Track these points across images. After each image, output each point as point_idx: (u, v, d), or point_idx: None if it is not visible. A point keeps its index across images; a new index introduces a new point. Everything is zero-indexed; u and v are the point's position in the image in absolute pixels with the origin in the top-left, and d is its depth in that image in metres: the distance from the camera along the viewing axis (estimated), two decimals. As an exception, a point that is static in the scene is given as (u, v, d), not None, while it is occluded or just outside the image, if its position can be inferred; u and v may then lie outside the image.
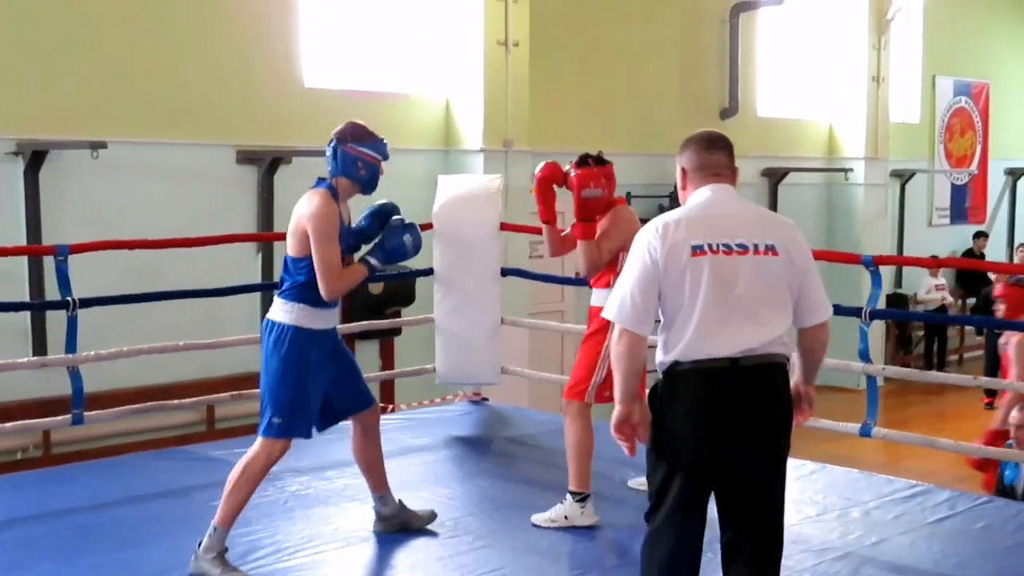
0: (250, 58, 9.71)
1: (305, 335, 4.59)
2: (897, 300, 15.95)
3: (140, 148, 9.02)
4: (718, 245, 3.48)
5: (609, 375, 4.73)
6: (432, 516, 5.21)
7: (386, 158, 4.81)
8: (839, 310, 7.07)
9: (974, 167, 18.28)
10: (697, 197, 3.66)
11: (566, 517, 5.14)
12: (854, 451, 10.24)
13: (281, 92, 9.89)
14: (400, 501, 5.14)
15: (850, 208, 15.49)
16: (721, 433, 3.45)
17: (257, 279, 9.58)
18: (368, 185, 4.78)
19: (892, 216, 16.46)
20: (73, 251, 5.97)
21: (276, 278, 9.47)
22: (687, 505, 3.52)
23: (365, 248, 4.94)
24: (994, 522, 5.34)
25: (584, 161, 5.18)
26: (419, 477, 6.05)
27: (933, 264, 5.53)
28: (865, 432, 6.02)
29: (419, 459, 6.48)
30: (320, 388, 4.69)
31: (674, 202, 13.03)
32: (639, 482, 5.31)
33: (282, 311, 4.63)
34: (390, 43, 10.87)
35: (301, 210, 4.66)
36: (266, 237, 9.24)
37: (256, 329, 9.43)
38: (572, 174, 5.13)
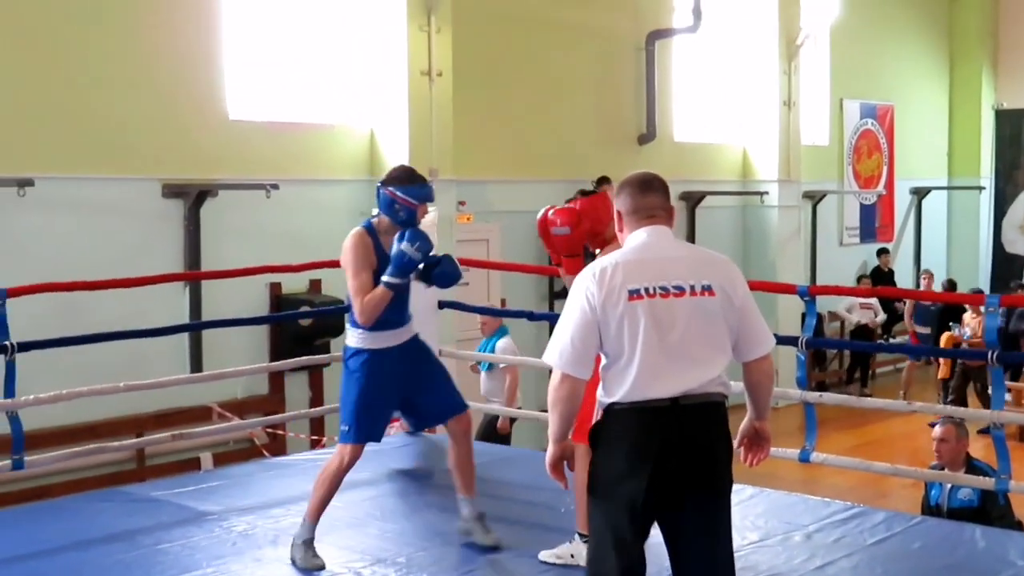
0: (174, 91, 9.66)
1: (365, 354, 5.12)
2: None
3: (66, 184, 8.94)
4: (655, 288, 3.55)
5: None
6: (497, 544, 5.33)
7: (426, 201, 5.16)
8: (776, 339, 7.31)
9: (881, 187, 18.75)
10: (633, 240, 3.72)
11: (572, 556, 5.05)
12: (779, 469, 10.39)
13: (206, 125, 9.85)
14: (481, 513, 5.38)
15: (765, 229, 15.82)
16: (660, 471, 3.51)
17: (185, 314, 9.52)
18: (406, 225, 5.09)
19: (805, 236, 16.82)
20: (11, 295, 5.88)
21: (204, 315, 9.48)
22: (626, 544, 3.58)
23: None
24: (930, 542, 5.51)
25: (584, 193, 5.14)
26: (365, 512, 6.05)
27: (865, 293, 5.66)
28: (804, 458, 6.17)
29: (362, 494, 6.46)
30: (389, 399, 5.22)
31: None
32: (553, 554, 5.21)
33: (348, 335, 5.22)
34: (314, 74, 10.89)
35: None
36: (194, 276, 9.24)
37: (184, 363, 9.45)
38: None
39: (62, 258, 8.60)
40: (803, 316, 6.29)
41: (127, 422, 9.04)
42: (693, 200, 14.91)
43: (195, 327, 8.50)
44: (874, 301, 16.08)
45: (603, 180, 13.19)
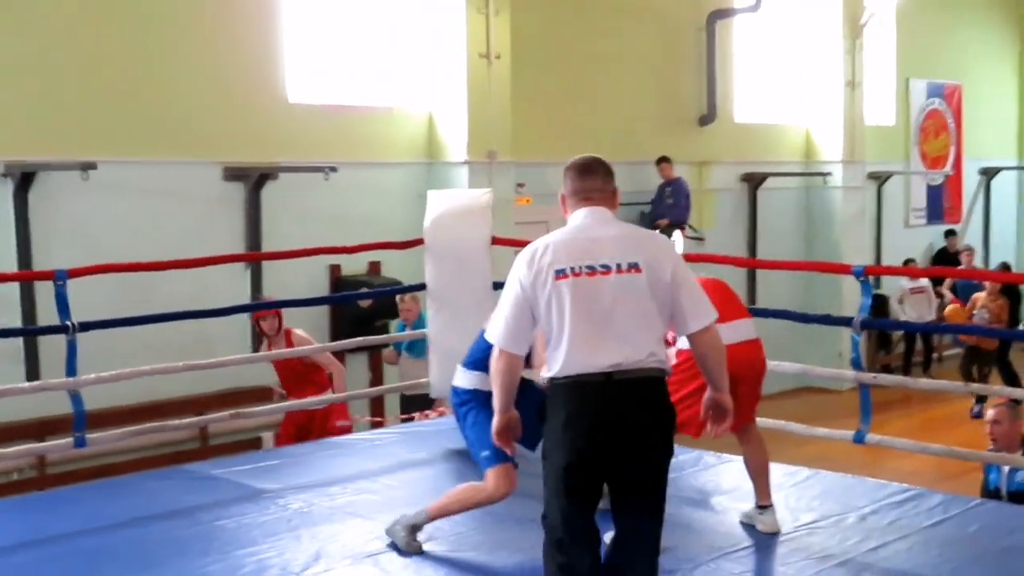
0: (235, 75, 9.77)
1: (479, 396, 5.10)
2: (877, 302, 16.09)
3: (128, 167, 9.07)
4: (581, 267, 3.74)
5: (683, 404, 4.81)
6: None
7: None
8: (830, 319, 7.25)
9: (948, 168, 18.47)
10: (572, 221, 3.93)
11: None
12: (839, 453, 10.31)
13: (266, 108, 9.95)
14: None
15: (829, 211, 15.64)
16: (592, 441, 3.71)
17: (246, 294, 9.64)
18: None
19: (870, 218, 16.62)
20: (71, 275, 6.00)
21: (265, 294, 9.58)
22: (571, 508, 3.78)
23: None
24: (987, 525, 5.44)
25: None
26: (422, 492, 6.06)
27: (919, 273, 5.60)
28: (859, 439, 6.12)
29: (418, 473, 6.53)
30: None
31: (655, 207, 13.17)
32: (749, 515, 5.35)
33: (460, 377, 5.32)
34: (373, 57, 10.94)
35: None
36: (254, 256, 9.34)
37: (246, 343, 9.57)
38: None
39: (125, 241, 8.76)
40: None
41: (190, 402, 9.19)
42: (755, 182, 14.80)
43: (254, 307, 8.58)
44: (927, 286, 15.56)
45: (663, 159, 13.16)
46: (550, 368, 3.79)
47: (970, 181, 19.00)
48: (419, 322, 9.06)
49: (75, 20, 8.89)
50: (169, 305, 7.77)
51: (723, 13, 14.20)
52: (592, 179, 3.97)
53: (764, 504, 5.32)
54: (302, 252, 7.99)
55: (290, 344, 8.28)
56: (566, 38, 12.47)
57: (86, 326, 6.05)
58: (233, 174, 9.70)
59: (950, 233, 17.92)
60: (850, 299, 14.87)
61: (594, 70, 12.81)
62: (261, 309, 8.32)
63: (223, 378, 9.21)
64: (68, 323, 5.93)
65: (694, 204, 13.57)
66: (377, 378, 10.50)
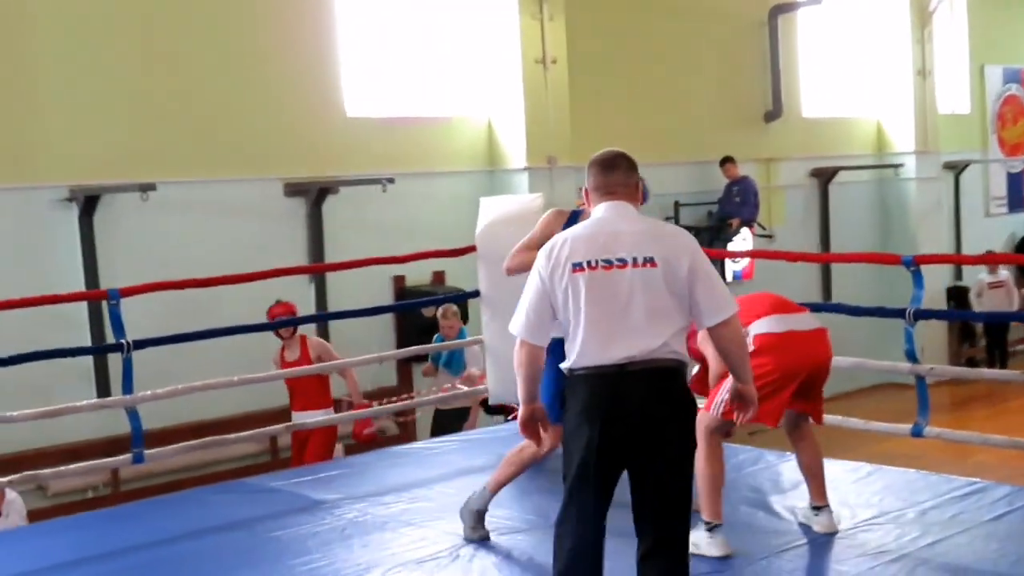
0: (292, 91, 9.89)
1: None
2: (957, 293, 15.76)
3: (188, 187, 9.23)
4: (597, 261, 3.80)
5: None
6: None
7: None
8: (883, 312, 7.08)
9: (1028, 154, 18.05)
10: (594, 215, 4.00)
11: (695, 544, 4.88)
12: (918, 449, 10.08)
13: (324, 123, 10.05)
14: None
15: (903, 203, 15.36)
16: (607, 432, 3.74)
17: (311, 308, 9.71)
18: None
19: (948, 209, 16.28)
20: (124, 294, 6.11)
21: (329, 307, 9.67)
22: (586, 497, 3.81)
23: None
24: (1053, 517, 5.28)
25: None
26: (475, 498, 6.06)
27: (973, 260, 5.45)
28: (917, 432, 5.98)
29: (474, 480, 6.45)
30: None
31: (723, 206, 13.03)
32: (806, 515, 5.26)
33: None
34: (429, 68, 11.00)
35: None
36: (313, 269, 9.40)
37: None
38: None
39: (188, 259, 8.87)
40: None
41: (256, 417, 9.24)
42: (825, 176, 14.59)
43: (312, 319, 8.67)
44: (1007, 279, 15.16)
45: (727, 160, 13.03)
46: (568, 359, 3.85)
47: (1054, 167, 18.53)
48: (459, 338, 9.06)
49: (131, 44, 9.06)
50: (233, 321, 7.89)
51: (785, 7, 14.03)
52: (615, 174, 4.00)
53: (819, 504, 5.22)
54: (362, 263, 8.02)
55: (305, 349, 8.33)
56: (624, 39, 12.41)
57: (140, 344, 6.13)
58: (294, 190, 9.81)
59: (1034, 221, 17.51)
60: (931, 292, 14.59)
61: (655, 70, 12.74)
62: (317, 320, 8.38)
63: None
64: (123, 341, 6.01)
65: (763, 202, 13.43)
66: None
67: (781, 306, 5.11)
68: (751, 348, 4.81)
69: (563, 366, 3.89)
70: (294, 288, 9.59)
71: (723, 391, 4.93)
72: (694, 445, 3.92)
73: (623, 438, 3.75)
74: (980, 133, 17.33)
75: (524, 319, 3.91)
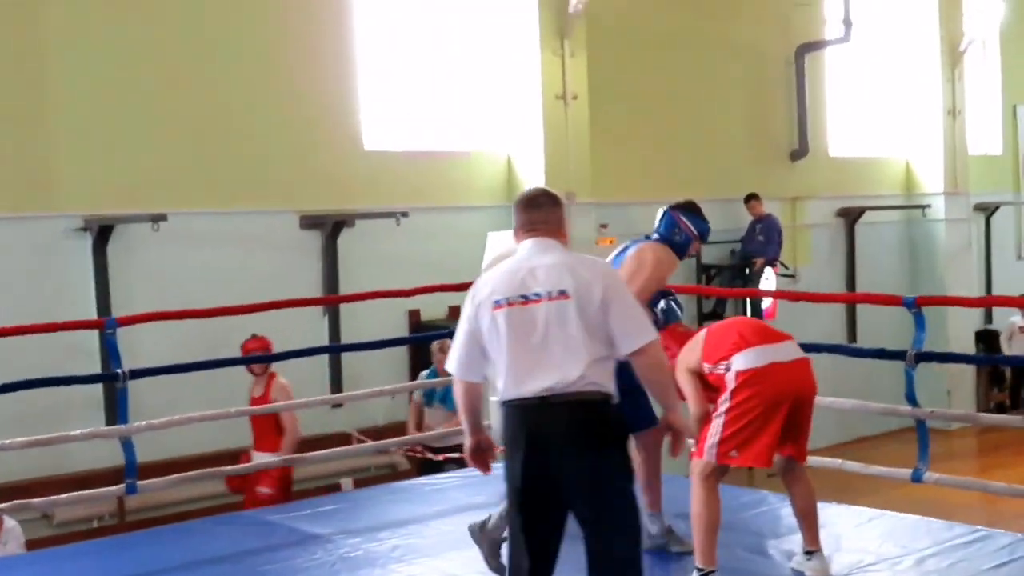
0: (310, 123, 9.92)
1: None
2: (987, 337, 15.53)
3: (202, 218, 9.27)
4: (515, 297, 3.92)
5: (729, 432, 4.72)
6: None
7: (704, 238, 5.43)
8: (883, 353, 6.95)
9: (1062, 196, 17.80)
10: (518, 252, 4.10)
11: None
12: (948, 496, 9.78)
13: (342, 156, 10.07)
14: (669, 526, 5.39)
15: (932, 244, 15.16)
16: (531, 463, 3.84)
17: (324, 341, 9.69)
18: (678, 248, 5.33)
19: (978, 250, 16.07)
20: (121, 323, 6.12)
21: (343, 340, 9.64)
22: (522, 526, 3.90)
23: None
24: (1056, 567, 5.14)
25: None
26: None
27: (974, 303, 5.32)
28: (916, 478, 5.86)
29: (473, 517, 6.43)
30: None
31: (746, 244, 12.94)
32: (798, 561, 5.16)
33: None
34: (449, 102, 11.01)
35: None
36: (326, 300, 9.36)
37: (324, 391, 9.61)
38: None
39: (200, 291, 8.79)
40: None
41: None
42: (852, 216, 14.45)
43: (322, 351, 8.64)
44: None
45: (751, 197, 12.94)
46: (498, 392, 3.97)
47: (1087, 209, 18.26)
48: None
49: (149, 75, 9.13)
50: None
51: (813, 46, 13.96)
52: (536, 212, 4.10)
53: (812, 549, 5.11)
54: (376, 295, 8.02)
55: (268, 388, 8.26)
56: (647, 76, 12.38)
57: (137, 373, 6.14)
58: (310, 222, 9.82)
59: (1068, 264, 17.22)
60: (956, 333, 14.44)
61: (679, 107, 12.69)
62: (327, 352, 8.32)
63: (305, 426, 9.25)
64: (119, 371, 6.02)
65: (787, 240, 13.32)
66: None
67: (762, 335, 4.98)
68: (732, 385, 4.79)
69: (493, 399, 4.14)
70: (308, 321, 9.63)
71: (712, 434, 4.86)
72: (627, 473, 3.96)
73: (548, 467, 3.83)
74: (1013, 174, 17.13)
75: (456, 358, 4.07)
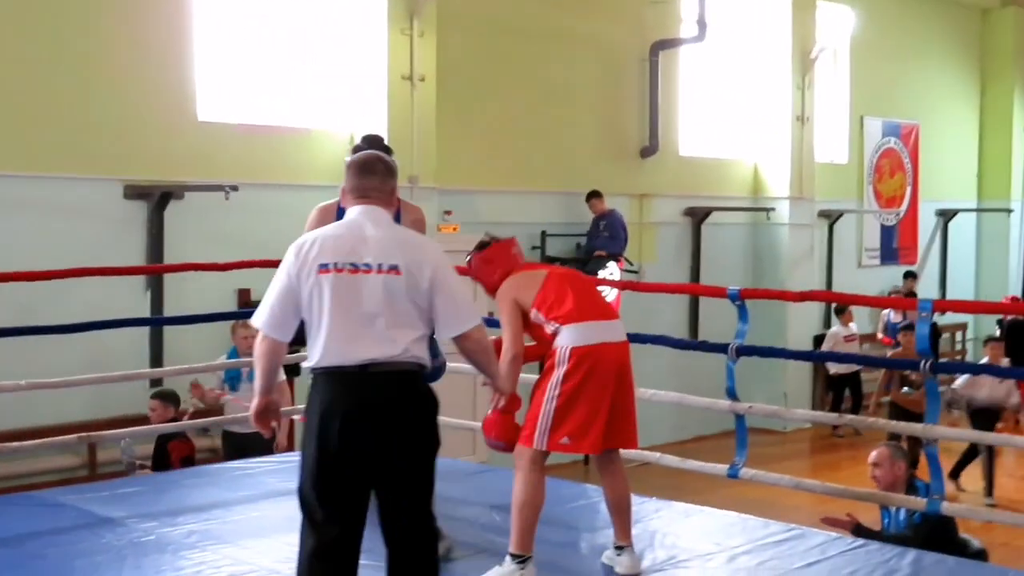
0: (140, 90, 9.45)
1: None
2: (823, 341, 15.75)
3: (22, 182, 8.75)
4: (344, 264, 3.84)
5: (560, 417, 4.58)
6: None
7: None
8: (706, 346, 6.88)
9: (904, 208, 18.23)
10: (347, 217, 4.03)
11: None
12: (774, 497, 9.79)
13: (173, 125, 9.62)
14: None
15: (776, 248, 15.33)
16: (349, 430, 3.76)
17: (146, 315, 9.25)
18: None
19: (820, 256, 16.32)
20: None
21: (166, 313, 9.22)
22: (329, 496, 3.79)
23: None
24: (863, 567, 5.11)
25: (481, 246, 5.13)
26: (275, 522, 5.69)
27: (795, 297, 5.23)
28: (733, 474, 5.78)
29: (283, 503, 6.13)
30: None
31: (590, 240, 12.85)
32: (608, 556, 5.01)
33: None
34: (292, 77, 10.64)
35: None
36: (146, 270, 8.93)
37: (144, 364, 9.16)
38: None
39: (17, 257, 8.19)
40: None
41: (81, 427, 8.75)
42: (699, 216, 14.50)
43: (143, 322, 8.26)
44: (855, 330, 15.01)
45: (593, 195, 12.85)
46: (310, 359, 3.86)
47: (926, 222, 18.75)
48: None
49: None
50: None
51: (667, 43, 13.93)
52: (370, 178, 4.03)
53: (622, 544, 4.96)
54: (202, 266, 7.74)
55: None
56: (499, 63, 12.18)
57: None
58: (135, 192, 9.35)
59: (909, 275, 17.59)
60: (795, 331, 14.64)
61: (530, 97, 12.53)
62: (151, 323, 7.93)
63: (116, 404, 8.82)
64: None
65: (634, 238, 13.28)
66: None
67: (594, 307, 4.85)
68: (565, 365, 4.65)
69: (304, 365, 3.91)
70: (129, 295, 9.18)
71: (542, 420, 4.68)
72: (436, 444, 3.93)
73: (364, 436, 3.76)
74: (857, 183, 17.45)
75: (268, 314, 3.92)
